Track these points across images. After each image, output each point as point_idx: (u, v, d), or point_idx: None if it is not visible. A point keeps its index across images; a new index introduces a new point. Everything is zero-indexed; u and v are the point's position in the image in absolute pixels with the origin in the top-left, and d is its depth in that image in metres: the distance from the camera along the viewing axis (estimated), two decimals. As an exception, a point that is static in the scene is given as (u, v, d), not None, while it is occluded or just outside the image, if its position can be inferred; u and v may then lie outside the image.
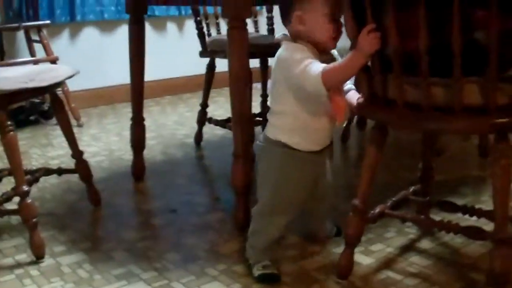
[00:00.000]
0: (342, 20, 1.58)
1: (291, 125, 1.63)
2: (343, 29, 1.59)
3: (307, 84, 1.52)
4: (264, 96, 3.17)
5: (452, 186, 2.33)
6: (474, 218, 1.81)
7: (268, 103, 1.75)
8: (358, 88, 1.68)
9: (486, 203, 1.99)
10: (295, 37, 1.62)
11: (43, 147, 3.10)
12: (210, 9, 3.12)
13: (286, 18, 1.64)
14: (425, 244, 1.87)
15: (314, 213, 1.85)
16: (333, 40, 1.61)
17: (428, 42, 1.34)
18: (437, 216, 1.87)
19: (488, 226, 1.61)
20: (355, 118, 3.16)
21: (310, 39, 1.60)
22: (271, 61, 1.77)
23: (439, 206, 1.88)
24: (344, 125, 3.05)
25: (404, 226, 1.94)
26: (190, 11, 3.56)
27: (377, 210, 1.70)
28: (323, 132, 1.66)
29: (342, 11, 1.55)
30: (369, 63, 1.53)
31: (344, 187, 2.34)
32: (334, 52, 1.69)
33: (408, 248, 1.85)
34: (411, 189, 1.88)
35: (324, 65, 1.52)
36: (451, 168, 2.57)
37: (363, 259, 1.77)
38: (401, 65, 1.42)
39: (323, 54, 1.62)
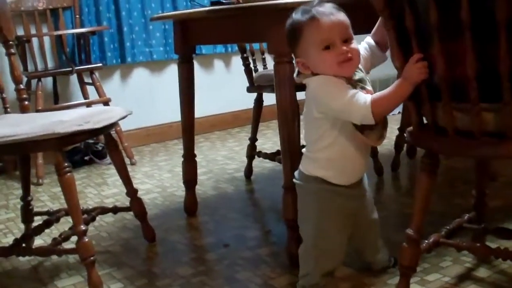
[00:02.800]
0: (353, 43, 1.56)
1: (327, 157, 1.62)
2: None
3: (355, 114, 1.51)
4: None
5: (508, 212, 2.28)
6: (533, 244, 1.77)
7: (302, 137, 1.73)
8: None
9: (545, 229, 1.94)
10: (315, 75, 1.61)
11: (98, 186, 3.18)
12: (256, 45, 3.17)
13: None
14: (482, 272, 1.83)
15: (366, 243, 1.84)
16: (341, 65, 1.54)
17: (476, 67, 1.34)
18: (493, 243, 1.84)
19: (547, 252, 1.57)
20: (405, 146, 3.13)
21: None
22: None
23: (495, 233, 1.84)
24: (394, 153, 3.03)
25: (460, 254, 1.91)
26: (236, 48, 3.63)
27: (432, 239, 1.68)
28: (359, 162, 1.65)
29: (342, 33, 1.54)
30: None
31: (396, 217, 2.32)
32: (362, 75, 1.62)
33: (465, 277, 1.81)
34: (466, 216, 1.85)
35: (369, 95, 1.52)
36: (506, 194, 2.52)
37: (420, 289, 1.75)
38: (449, 92, 1.42)
39: (347, 80, 1.57)
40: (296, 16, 1.59)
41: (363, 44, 1.71)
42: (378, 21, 1.71)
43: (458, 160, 3.02)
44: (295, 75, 1.68)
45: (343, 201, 1.65)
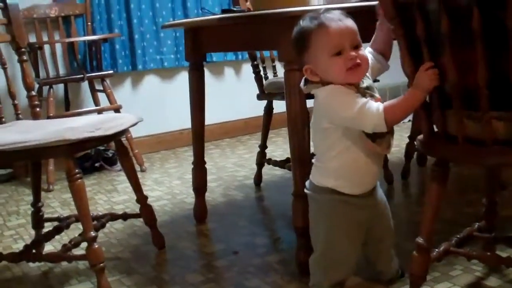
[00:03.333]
0: (361, 50, 1.55)
1: (337, 166, 1.60)
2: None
3: (368, 122, 1.50)
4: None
5: (519, 221, 2.27)
6: (544, 254, 1.76)
7: (312, 147, 1.72)
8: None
9: (556, 238, 1.92)
10: (324, 84, 1.59)
11: (108, 193, 3.19)
12: (266, 53, 3.18)
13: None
14: (493, 281, 1.81)
15: (381, 252, 1.82)
16: (350, 71, 1.53)
17: (487, 76, 1.34)
18: (504, 252, 1.83)
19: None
20: (415, 154, 3.12)
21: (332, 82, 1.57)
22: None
23: (505, 242, 1.83)
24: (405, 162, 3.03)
25: (470, 263, 1.90)
26: (246, 56, 3.64)
27: (442, 247, 1.68)
28: (371, 171, 1.63)
29: (351, 39, 1.53)
30: (428, 99, 1.53)
31: (407, 225, 2.31)
32: (370, 82, 1.61)
33: (475, 286, 1.80)
34: (476, 225, 1.85)
35: (380, 103, 1.52)
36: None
37: (429, 298, 1.74)
38: (460, 100, 1.41)
39: (355, 89, 1.56)
40: (304, 23, 1.58)
41: (367, 52, 1.71)
42: (376, 31, 1.70)
43: (468, 168, 3.01)
44: (302, 84, 1.66)
45: (355, 211, 1.64)
